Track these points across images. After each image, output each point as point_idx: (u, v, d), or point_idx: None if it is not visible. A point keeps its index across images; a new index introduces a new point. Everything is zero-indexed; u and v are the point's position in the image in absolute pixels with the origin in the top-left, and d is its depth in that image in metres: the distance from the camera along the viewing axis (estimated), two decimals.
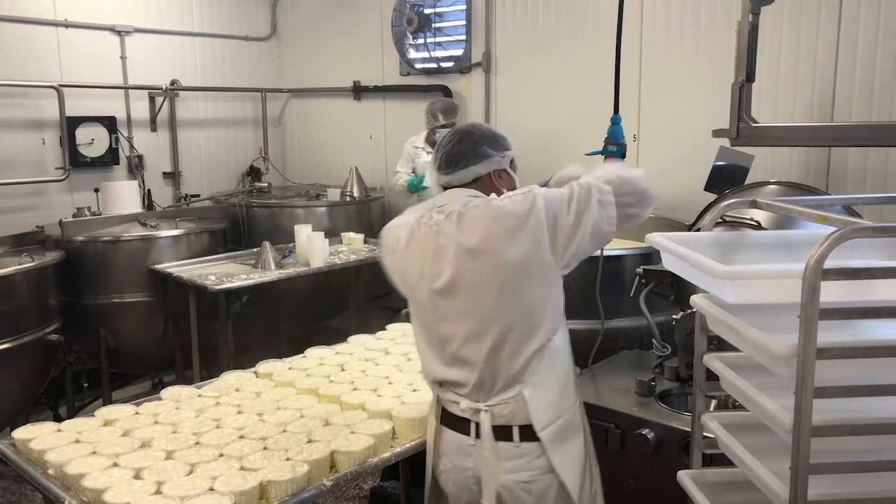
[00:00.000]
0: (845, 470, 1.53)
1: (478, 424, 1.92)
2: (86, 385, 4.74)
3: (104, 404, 4.52)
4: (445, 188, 2.04)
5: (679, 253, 1.72)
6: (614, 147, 2.64)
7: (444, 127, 4.81)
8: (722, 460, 1.90)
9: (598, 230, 1.86)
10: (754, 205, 1.91)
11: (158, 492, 1.77)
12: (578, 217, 1.84)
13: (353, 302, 5.34)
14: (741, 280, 1.54)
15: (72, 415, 4.41)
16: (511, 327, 1.89)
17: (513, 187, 2.07)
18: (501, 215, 1.86)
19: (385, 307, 5.35)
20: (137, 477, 1.84)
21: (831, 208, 2.26)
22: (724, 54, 3.29)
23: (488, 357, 1.90)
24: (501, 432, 1.92)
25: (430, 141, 4.96)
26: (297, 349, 2.84)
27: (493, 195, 1.97)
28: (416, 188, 4.92)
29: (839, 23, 3.60)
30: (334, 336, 5.09)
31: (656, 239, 1.85)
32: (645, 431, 2.40)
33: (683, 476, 1.97)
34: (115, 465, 1.89)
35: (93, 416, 2.21)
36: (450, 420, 1.99)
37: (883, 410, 1.52)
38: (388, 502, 3.52)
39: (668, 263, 1.86)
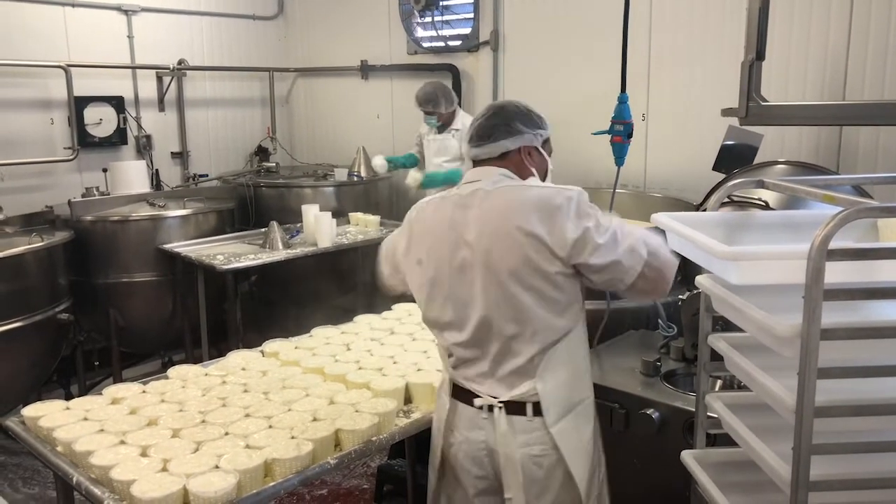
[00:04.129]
0: (848, 450, 1.53)
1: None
2: (97, 364, 4.79)
3: (114, 383, 4.62)
4: (475, 163, 2.02)
5: (683, 233, 1.71)
6: (621, 126, 2.62)
7: (429, 114, 4.88)
8: (726, 440, 1.90)
9: (614, 269, 1.85)
10: (761, 184, 1.90)
11: (164, 469, 1.79)
12: (609, 246, 1.83)
13: (361, 281, 5.35)
14: (745, 261, 1.52)
15: (83, 393, 4.45)
16: (522, 316, 1.86)
17: (543, 168, 2.04)
18: (529, 202, 1.84)
19: None
20: (144, 454, 1.86)
21: (839, 188, 2.24)
22: (734, 32, 3.25)
23: (499, 345, 1.89)
24: (514, 407, 1.92)
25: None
26: (305, 328, 2.86)
27: (530, 180, 1.94)
28: (396, 167, 5.08)
29: (852, 0, 3.54)
30: (341, 315, 5.12)
31: (661, 219, 1.84)
32: (650, 411, 2.40)
33: (687, 456, 1.97)
34: (123, 442, 1.91)
35: (101, 394, 2.24)
36: (462, 394, 1.97)
37: (887, 391, 1.52)
38: (395, 480, 3.55)
39: (674, 244, 1.85)
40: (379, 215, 5.00)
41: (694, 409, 2.06)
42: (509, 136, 1.96)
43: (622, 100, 2.66)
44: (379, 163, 5.19)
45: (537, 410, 1.90)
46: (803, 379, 1.44)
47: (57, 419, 2.04)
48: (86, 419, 2.05)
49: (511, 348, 1.89)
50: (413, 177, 4.86)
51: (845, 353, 1.51)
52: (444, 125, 4.94)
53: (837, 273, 1.47)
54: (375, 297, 5.38)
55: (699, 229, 1.70)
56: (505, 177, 1.93)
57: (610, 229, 1.85)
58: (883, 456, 1.55)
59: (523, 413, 1.90)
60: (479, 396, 1.93)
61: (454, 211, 1.92)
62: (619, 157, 2.69)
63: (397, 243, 2.08)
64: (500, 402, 1.90)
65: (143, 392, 2.26)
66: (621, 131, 2.61)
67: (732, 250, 1.51)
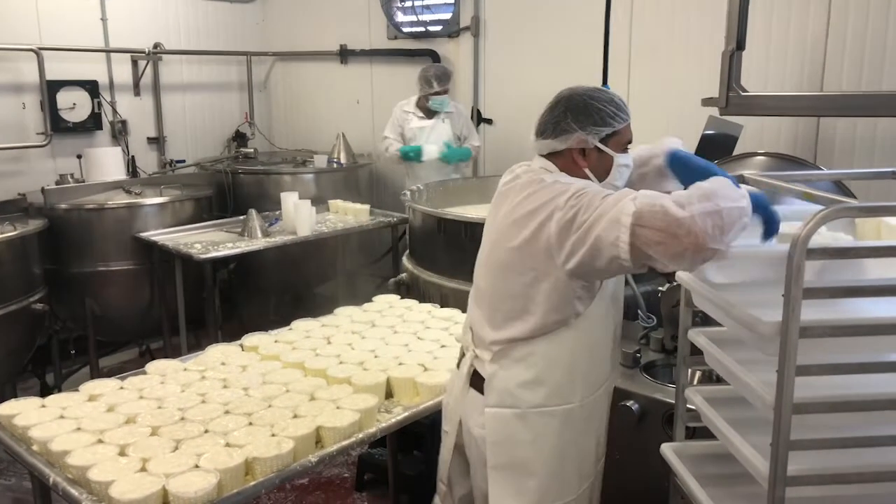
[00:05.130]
0: (825, 446, 1.54)
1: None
2: (73, 352, 4.73)
3: (91, 372, 4.60)
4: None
5: None
6: None
7: (437, 94, 4.70)
8: (705, 432, 1.92)
9: (603, 248, 1.65)
10: (741, 179, 1.90)
11: (143, 469, 1.76)
12: (591, 224, 1.67)
13: (342, 269, 5.33)
14: (726, 261, 1.53)
15: (59, 382, 4.42)
16: (500, 298, 1.90)
17: (604, 167, 1.91)
18: (529, 190, 1.83)
19: (373, 274, 5.36)
20: (122, 454, 1.83)
21: (819, 184, 2.26)
22: (715, 21, 3.24)
23: (485, 313, 1.94)
24: (478, 382, 1.95)
25: (422, 107, 4.85)
26: (285, 315, 2.84)
27: (557, 175, 1.87)
28: (409, 157, 4.80)
29: None
30: (323, 302, 5.11)
31: None
32: (629, 403, 2.43)
33: (667, 449, 1.99)
34: (100, 441, 1.89)
35: (77, 390, 2.20)
36: (475, 380, 1.98)
37: (865, 387, 1.54)
38: (376, 468, 3.56)
39: None
40: (368, 204, 4.92)
41: (673, 401, 2.08)
42: (556, 135, 1.88)
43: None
44: (433, 150, 4.81)
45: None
46: (782, 376, 1.46)
47: (32, 417, 2.01)
48: (62, 417, 2.01)
49: (490, 318, 1.94)
50: (431, 150, 4.74)
51: (825, 349, 1.52)
52: (432, 112, 4.81)
53: (818, 269, 1.49)
54: (357, 285, 5.39)
55: None
56: (541, 170, 1.91)
57: (596, 198, 1.70)
58: (860, 451, 1.57)
59: (481, 391, 1.95)
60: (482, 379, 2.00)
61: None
62: None
63: None
64: (473, 350, 1.98)
65: (121, 388, 2.22)
66: None
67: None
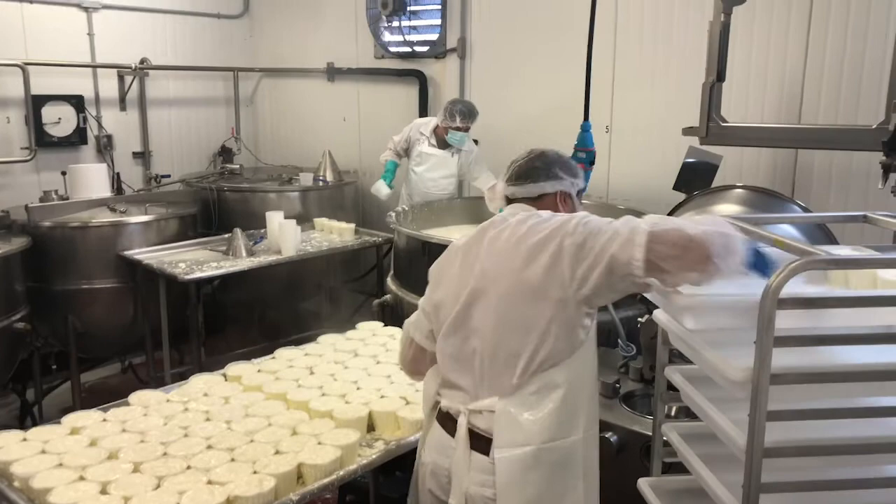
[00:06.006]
0: (796, 489, 1.59)
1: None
2: (54, 367, 4.71)
3: (72, 388, 4.58)
4: (510, 200, 2.08)
5: None
6: (583, 154, 2.66)
7: (458, 129, 4.64)
8: (682, 467, 1.95)
9: (616, 268, 1.73)
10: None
11: None
12: (603, 247, 1.75)
13: (326, 285, 5.34)
14: (699, 308, 1.57)
15: (39, 399, 4.40)
16: (510, 340, 1.87)
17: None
18: (534, 227, 1.88)
19: (357, 291, 5.37)
20: (104, 492, 1.84)
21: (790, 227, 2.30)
22: (697, 52, 3.30)
23: (487, 362, 1.90)
24: (479, 443, 1.91)
25: (439, 135, 4.78)
26: (268, 332, 2.84)
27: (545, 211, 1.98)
28: (384, 175, 4.89)
29: (809, 26, 3.62)
30: (307, 317, 5.11)
31: None
32: (608, 435, 2.45)
33: (643, 483, 2.03)
34: (82, 478, 1.89)
35: (59, 423, 2.20)
36: (441, 416, 1.99)
37: (837, 430, 1.58)
38: (357, 491, 3.56)
39: None
40: (353, 223, 4.95)
41: (651, 433, 2.11)
42: (549, 179, 2.04)
43: (585, 128, 2.70)
44: (384, 191, 4.94)
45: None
46: (753, 421, 1.50)
47: (13, 452, 2.00)
48: (44, 451, 2.01)
49: (492, 366, 1.91)
50: (379, 188, 4.88)
51: (797, 393, 1.57)
52: (446, 143, 4.77)
53: (791, 315, 1.53)
54: (341, 302, 5.41)
55: None
56: (528, 212, 1.98)
57: (602, 224, 1.80)
58: (830, 494, 1.62)
59: (486, 452, 1.88)
60: (452, 420, 1.98)
61: (479, 239, 1.98)
62: None
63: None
64: (467, 408, 1.93)
65: (104, 420, 2.23)
66: (584, 158, 2.66)
67: (688, 301, 1.56)
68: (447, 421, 1.97)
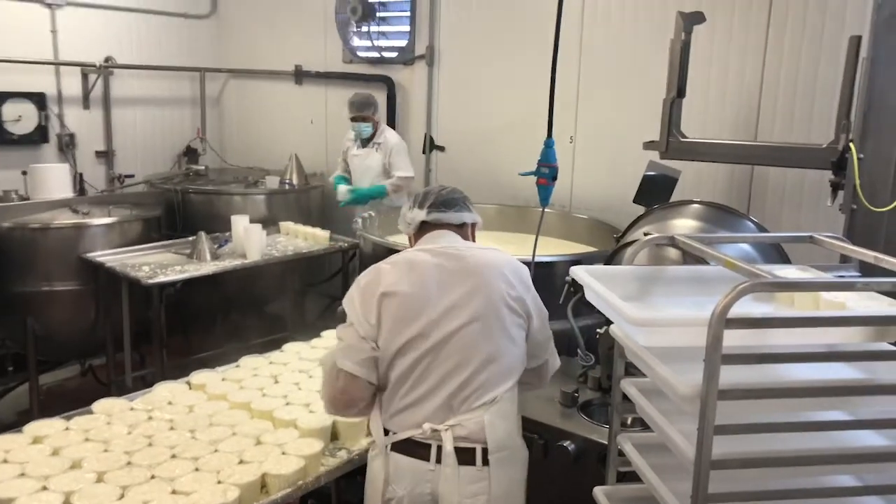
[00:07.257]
0: (740, 499, 1.67)
1: (439, 447, 2.00)
2: (10, 369, 4.64)
3: (30, 390, 4.51)
4: (430, 225, 2.24)
5: (598, 292, 1.81)
6: (546, 169, 2.72)
7: (354, 119, 4.93)
8: (637, 476, 2.02)
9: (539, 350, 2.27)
10: (673, 242, 2.03)
11: None
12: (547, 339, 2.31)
13: (291, 287, 5.33)
14: (651, 326, 1.64)
15: None
16: (493, 359, 2.07)
17: None
18: (511, 264, 2.20)
19: (322, 293, 5.38)
20: (67, 502, 1.84)
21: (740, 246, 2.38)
22: (659, 67, 3.40)
23: (463, 383, 2.04)
24: (463, 455, 2.02)
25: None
26: (232, 335, 2.84)
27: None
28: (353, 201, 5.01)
29: (765, 46, 3.75)
30: (270, 322, 5.09)
31: (579, 274, 1.95)
32: (566, 443, 2.51)
33: (598, 492, 2.09)
34: (45, 488, 1.88)
35: (21, 431, 2.19)
36: (405, 447, 2.03)
37: (784, 442, 1.67)
38: (318, 495, 3.57)
39: (590, 297, 1.96)
40: (321, 228, 4.93)
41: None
42: (468, 210, 2.31)
43: (548, 144, 2.75)
44: (343, 188, 5.11)
45: (486, 459, 2.06)
46: (701, 435, 1.57)
47: None
48: (5, 461, 2.00)
49: (470, 385, 2.08)
50: (342, 191, 4.97)
51: (744, 407, 1.65)
52: (368, 138, 5.01)
53: (739, 334, 1.60)
54: (305, 304, 5.41)
55: (615, 283, 1.83)
56: (468, 241, 2.29)
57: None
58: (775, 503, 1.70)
59: (473, 463, 2.04)
60: (424, 445, 2.09)
61: (439, 268, 2.13)
62: (544, 198, 2.79)
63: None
64: (447, 425, 2.05)
65: (67, 429, 2.22)
66: (546, 174, 2.72)
67: (640, 316, 1.62)
68: (417, 448, 2.02)
